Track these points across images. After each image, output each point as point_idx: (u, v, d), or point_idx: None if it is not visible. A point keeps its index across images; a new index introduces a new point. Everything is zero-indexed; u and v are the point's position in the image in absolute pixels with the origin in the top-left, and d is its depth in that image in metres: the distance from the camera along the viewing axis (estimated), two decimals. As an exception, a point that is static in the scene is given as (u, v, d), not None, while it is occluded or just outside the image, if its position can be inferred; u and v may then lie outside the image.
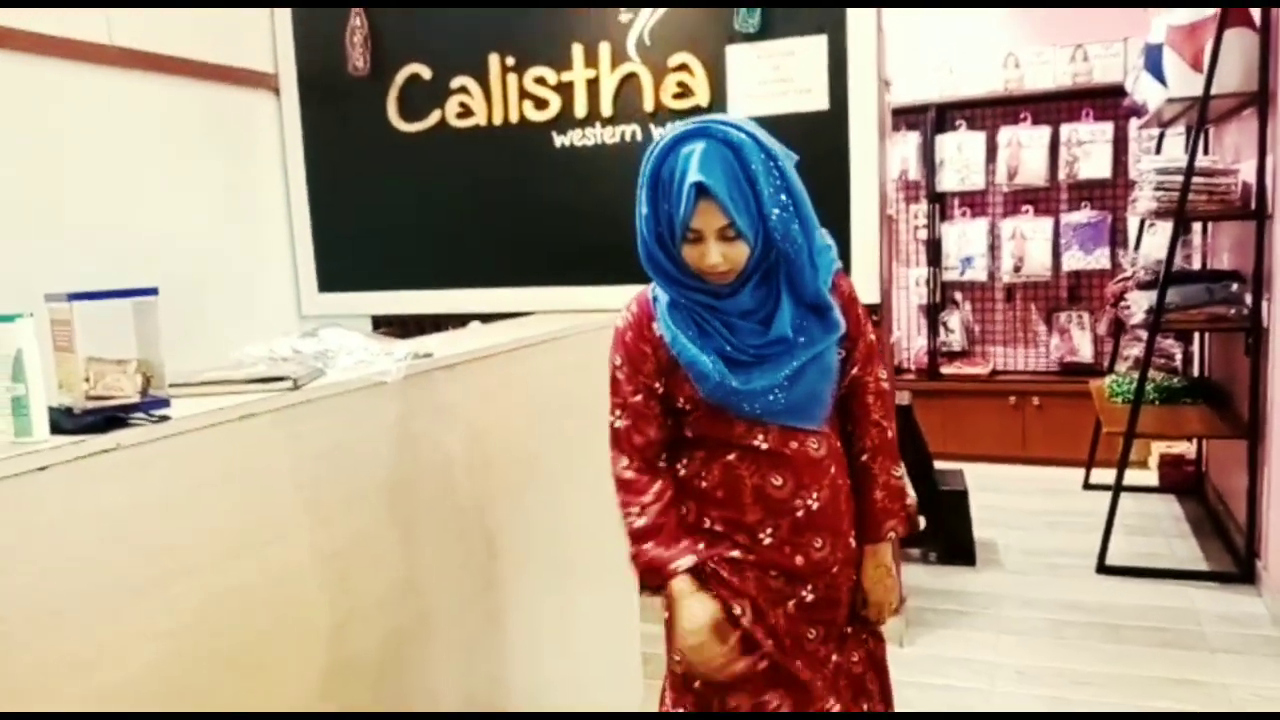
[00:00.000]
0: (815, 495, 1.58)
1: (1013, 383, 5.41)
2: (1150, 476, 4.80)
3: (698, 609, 1.56)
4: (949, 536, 3.87)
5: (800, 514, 1.58)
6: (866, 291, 2.95)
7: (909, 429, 3.81)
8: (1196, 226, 4.60)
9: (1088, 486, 4.77)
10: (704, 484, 1.60)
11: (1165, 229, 3.91)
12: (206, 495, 1.39)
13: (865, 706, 1.71)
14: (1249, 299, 3.54)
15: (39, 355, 1.27)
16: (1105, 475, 4.29)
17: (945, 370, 5.54)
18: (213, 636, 1.39)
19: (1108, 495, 3.78)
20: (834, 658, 1.67)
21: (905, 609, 3.25)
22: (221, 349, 1.74)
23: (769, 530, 1.58)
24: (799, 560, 1.59)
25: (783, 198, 1.50)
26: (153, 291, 1.39)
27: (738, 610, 1.59)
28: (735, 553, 1.59)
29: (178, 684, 1.33)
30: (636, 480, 1.61)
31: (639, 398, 1.60)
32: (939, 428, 4.97)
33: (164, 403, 1.37)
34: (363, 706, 1.66)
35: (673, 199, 1.47)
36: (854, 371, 1.66)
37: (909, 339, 5.72)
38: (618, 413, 1.62)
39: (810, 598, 1.61)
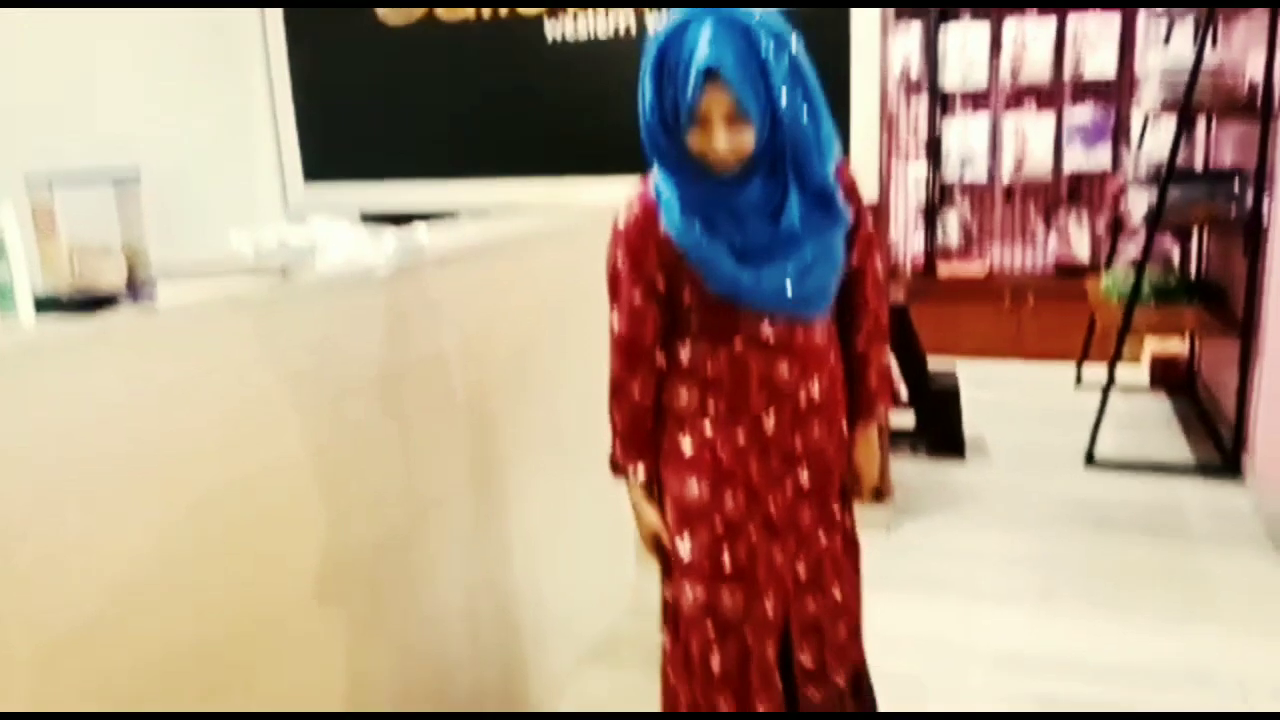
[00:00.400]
0: (817, 382, 1.62)
1: (1009, 282, 5.39)
2: (1142, 374, 4.84)
3: (645, 520, 1.68)
4: (939, 431, 3.92)
5: (802, 401, 1.62)
6: (865, 190, 2.90)
7: (904, 328, 3.82)
8: (1200, 125, 4.52)
9: (1079, 384, 4.80)
10: (709, 372, 1.61)
11: (1168, 127, 3.85)
12: (198, 384, 1.39)
13: (839, 587, 1.75)
14: (1250, 197, 3.51)
15: (21, 241, 1.26)
16: (1097, 374, 4.32)
17: (942, 270, 5.52)
18: (209, 526, 1.41)
19: (1099, 393, 3.81)
20: (823, 541, 1.71)
21: (894, 498, 3.32)
22: (205, 240, 1.73)
23: (771, 415, 1.61)
24: (798, 443, 1.63)
25: (792, 82, 1.46)
26: (135, 175, 1.37)
27: (729, 501, 1.62)
28: (740, 438, 1.62)
29: (174, 573, 1.35)
30: (628, 382, 1.64)
31: (640, 298, 1.59)
32: (934, 327, 4.95)
33: (151, 290, 1.37)
34: (358, 598, 1.70)
35: (679, 82, 1.43)
36: (854, 262, 1.67)
37: (906, 239, 5.68)
38: (618, 313, 1.62)
39: (807, 483, 1.66)
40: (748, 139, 1.46)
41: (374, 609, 1.74)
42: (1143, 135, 4.59)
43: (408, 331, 1.81)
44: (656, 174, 1.59)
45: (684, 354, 1.63)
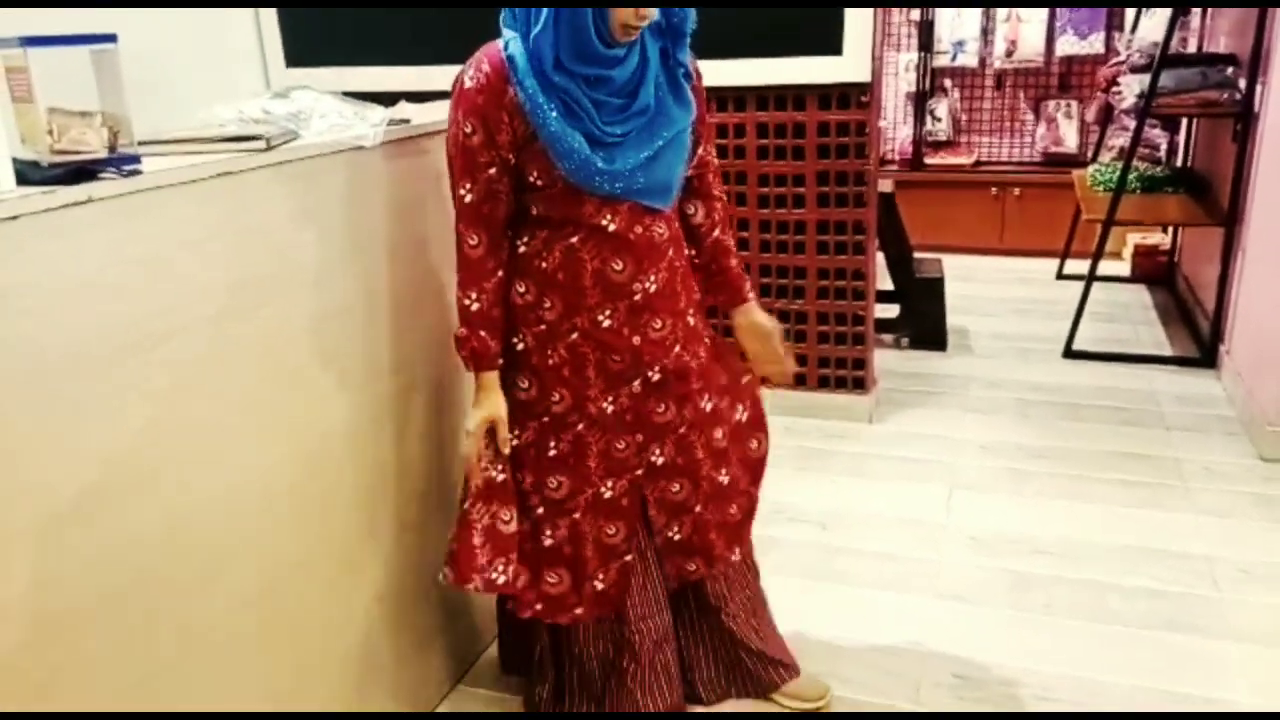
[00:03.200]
0: (653, 278, 1.63)
1: (995, 173, 5.36)
2: (1123, 267, 4.86)
3: (487, 407, 1.64)
4: (922, 323, 3.94)
5: (638, 297, 1.62)
6: (857, 69, 2.86)
7: (891, 218, 3.80)
8: (1195, 10, 4.44)
9: (1061, 277, 4.83)
10: (544, 265, 1.60)
11: (1164, 12, 3.77)
12: (188, 253, 1.37)
13: (727, 470, 1.80)
14: (1243, 84, 3.47)
15: (-3, 105, 1.22)
16: (1079, 266, 4.34)
17: (929, 160, 5.47)
18: (207, 395, 1.41)
19: (1080, 285, 3.84)
20: (697, 432, 1.74)
21: (877, 389, 3.36)
22: (189, 118, 1.68)
23: (608, 313, 1.62)
24: (636, 340, 1.64)
25: None
26: (112, 38, 1.31)
27: (555, 397, 1.66)
28: (574, 336, 1.63)
29: (174, 442, 1.35)
30: (483, 260, 1.59)
31: (493, 169, 1.54)
32: (921, 218, 4.94)
33: (134, 158, 1.33)
34: (344, 478, 1.71)
35: None
36: (700, 151, 1.72)
37: (895, 128, 5.61)
38: (467, 185, 1.55)
39: (656, 377, 1.68)
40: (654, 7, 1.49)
41: (366, 486, 1.76)
42: (1136, 20, 4.50)
43: (395, 204, 1.78)
44: (509, 35, 1.52)
45: (520, 246, 1.62)
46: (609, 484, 1.72)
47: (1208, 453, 2.96)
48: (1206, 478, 2.81)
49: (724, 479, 1.79)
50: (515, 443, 1.71)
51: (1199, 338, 3.81)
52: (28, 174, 1.24)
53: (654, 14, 1.49)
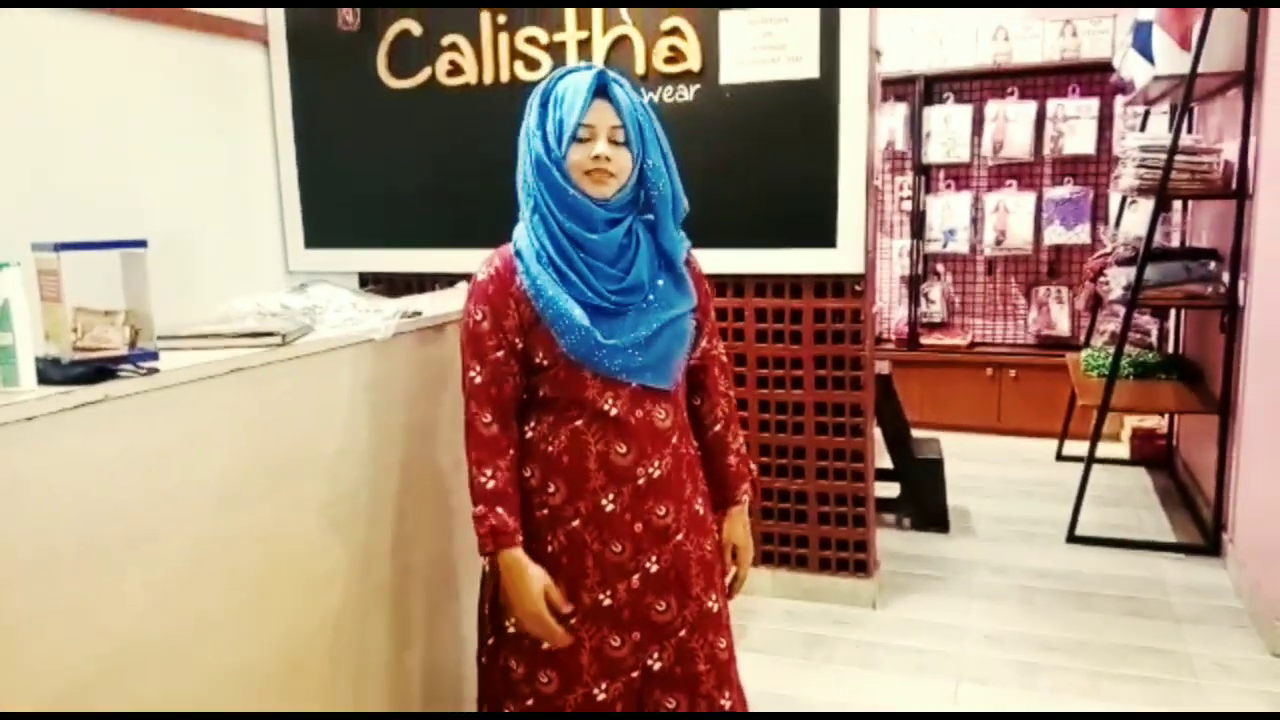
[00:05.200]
0: (657, 463, 1.64)
1: (991, 354, 5.47)
2: (1122, 449, 4.88)
3: (536, 582, 1.59)
4: (923, 503, 3.93)
5: (641, 481, 1.63)
6: (851, 261, 2.97)
7: (888, 398, 3.85)
8: (1177, 205, 4.64)
9: (1060, 458, 4.84)
10: (550, 448, 1.63)
11: (1146, 206, 3.95)
12: (196, 448, 1.40)
13: (727, 695, 1.74)
14: (1226, 278, 3.59)
15: (26, 305, 1.27)
16: (1078, 447, 4.36)
17: (925, 340, 5.59)
18: (204, 587, 1.41)
19: (1080, 467, 3.84)
20: (714, 641, 1.70)
21: (880, 573, 3.31)
22: (207, 303, 1.74)
23: (610, 496, 1.62)
24: (639, 527, 1.63)
25: (659, 143, 1.61)
26: (141, 243, 1.39)
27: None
28: (575, 523, 1.62)
29: (173, 630, 1.35)
30: (497, 439, 1.61)
31: (500, 353, 1.61)
32: (917, 397, 5.03)
33: (153, 355, 1.38)
34: (348, 659, 1.68)
35: (566, 106, 1.54)
36: (704, 344, 1.77)
37: (890, 309, 5.76)
38: (477, 367, 1.62)
39: (655, 568, 1.65)
40: (625, 161, 1.57)
41: (360, 668, 1.72)
42: (1120, 214, 4.70)
43: (404, 395, 1.82)
44: (519, 231, 1.64)
45: (529, 431, 1.65)
46: (602, 686, 1.66)
47: (1218, 647, 2.89)
48: (1218, 674, 2.73)
49: (725, 702, 1.71)
50: (511, 629, 1.67)
51: (1202, 524, 3.79)
52: (49, 372, 1.28)
53: (616, 163, 1.56)
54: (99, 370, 1.31)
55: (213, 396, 1.43)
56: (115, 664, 1.26)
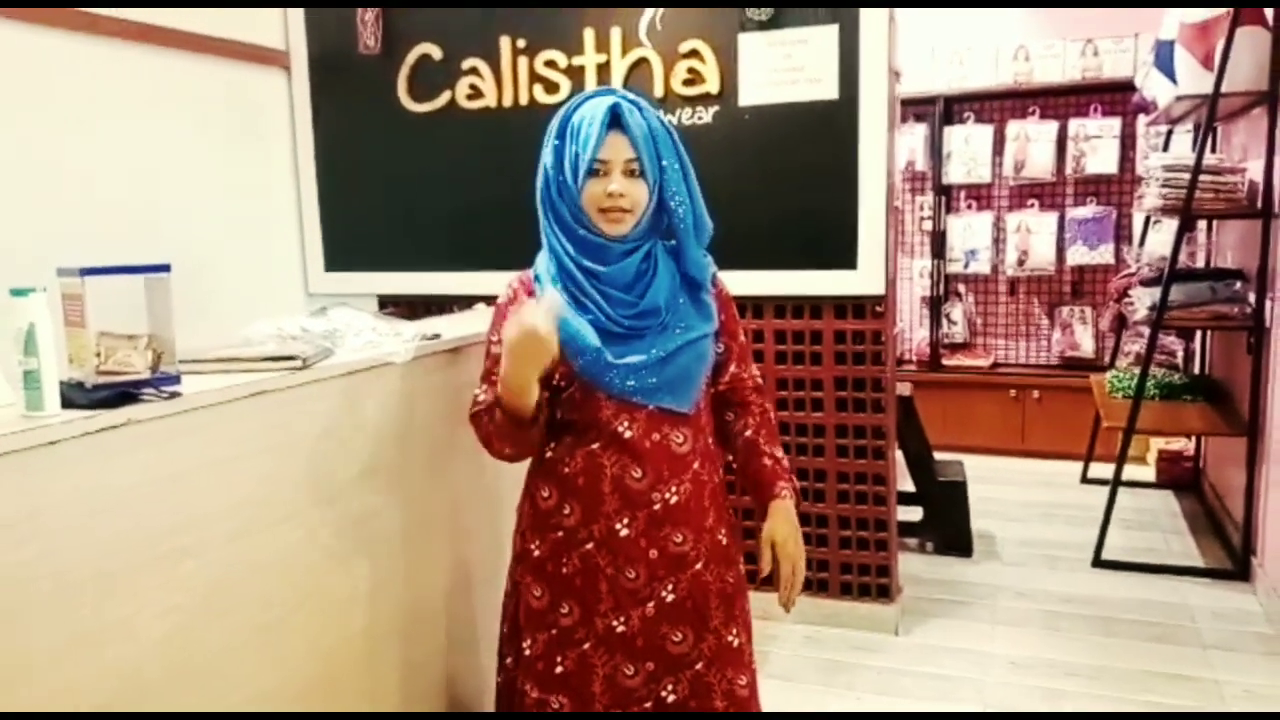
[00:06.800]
0: (675, 489, 1.60)
1: (1013, 376, 5.42)
2: (1148, 472, 4.82)
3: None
4: (947, 527, 3.89)
5: (658, 507, 1.59)
6: (871, 282, 2.96)
7: (910, 419, 3.82)
8: (1201, 224, 4.60)
9: (1085, 480, 4.78)
10: (566, 470, 1.62)
11: (1170, 226, 3.91)
12: (217, 472, 1.40)
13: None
14: (1252, 298, 3.55)
15: (51, 330, 1.28)
16: (1103, 470, 4.31)
17: (947, 362, 5.55)
18: (224, 612, 1.41)
19: (1105, 489, 3.80)
20: (734, 679, 1.64)
21: (902, 597, 3.28)
22: (228, 326, 1.75)
23: (625, 521, 1.59)
24: (654, 554, 1.60)
25: (679, 166, 1.59)
26: (165, 268, 1.40)
27: (564, 609, 1.62)
28: (589, 545, 1.60)
29: (189, 659, 1.35)
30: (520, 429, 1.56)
31: None
32: (939, 419, 4.99)
33: (175, 379, 1.39)
34: (365, 682, 1.68)
35: (581, 139, 1.53)
36: (733, 369, 1.73)
37: (911, 330, 5.73)
38: (483, 386, 1.62)
39: (671, 597, 1.61)
40: (641, 193, 1.55)
41: (378, 693, 1.72)
42: (1144, 234, 4.66)
43: (423, 418, 1.83)
44: (540, 257, 1.65)
45: (548, 451, 1.65)
46: (615, 714, 1.63)
47: (1248, 674, 2.83)
48: (1247, 701, 2.68)
49: None
50: (528, 652, 1.65)
51: (1230, 548, 3.73)
52: (72, 395, 1.29)
53: (631, 197, 1.54)
54: (122, 394, 1.32)
55: (234, 420, 1.43)
56: (134, 691, 1.26)
